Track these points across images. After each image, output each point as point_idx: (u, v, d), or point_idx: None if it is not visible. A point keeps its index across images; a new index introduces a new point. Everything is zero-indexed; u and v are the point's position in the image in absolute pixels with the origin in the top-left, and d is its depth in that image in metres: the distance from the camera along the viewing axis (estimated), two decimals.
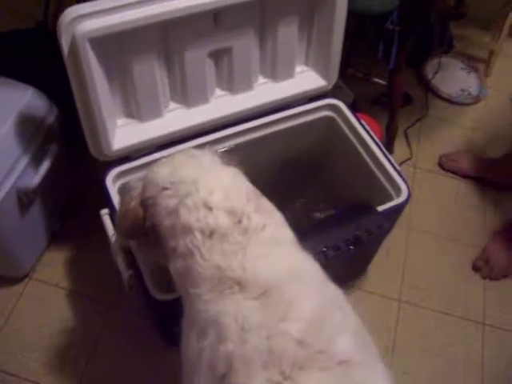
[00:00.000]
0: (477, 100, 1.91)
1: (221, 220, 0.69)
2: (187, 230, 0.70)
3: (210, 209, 0.70)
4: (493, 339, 1.37)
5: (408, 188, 1.17)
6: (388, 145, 1.67)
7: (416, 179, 1.68)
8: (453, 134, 1.82)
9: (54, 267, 1.36)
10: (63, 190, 1.36)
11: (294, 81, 1.25)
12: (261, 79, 1.23)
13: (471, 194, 1.66)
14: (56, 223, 1.35)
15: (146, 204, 0.78)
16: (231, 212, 0.70)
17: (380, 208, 1.11)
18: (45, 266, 1.36)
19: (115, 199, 1.08)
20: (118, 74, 1.03)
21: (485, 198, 1.65)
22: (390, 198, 1.17)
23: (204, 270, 0.67)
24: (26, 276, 1.33)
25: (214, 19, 1.03)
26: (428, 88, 1.89)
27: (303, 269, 0.67)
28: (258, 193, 0.76)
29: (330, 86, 1.28)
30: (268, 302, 0.61)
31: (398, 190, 1.17)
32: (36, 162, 1.13)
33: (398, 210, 1.15)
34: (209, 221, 0.69)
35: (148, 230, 0.79)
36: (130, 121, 1.12)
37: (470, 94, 1.94)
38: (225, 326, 0.61)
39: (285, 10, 1.12)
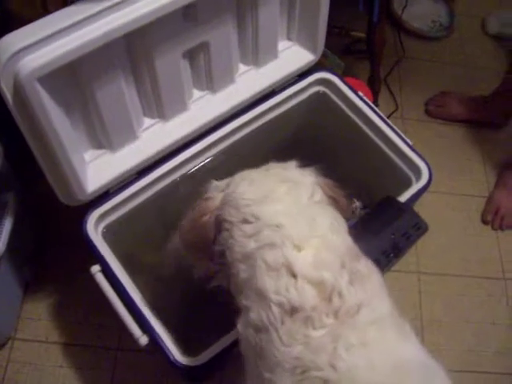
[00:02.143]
0: (450, 31, 1.77)
1: (306, 296, 0.54)
2: (263, 296, 0.56)
3: (293, 276, 0.55)
4: None
5: (429, 167, 1.04)
6: (373, 99, 1.52)
7: (407, 132, 1.55)
8: (433, 73, 1.68)
9: (37, 321, 1.17)
10: (30, 235, 1.15)
11: (278, 62, 1.06)
12: (242, 68, 1.03)
13: (466, 138, 1.56)
14: (27, 273, 1.15)
15: (221, 226, 0.63)
16: (319, 284, 0.55)
17: (401, 198, 0.98)
18: (26, 321, 1.16)
19: (103, 250, 0.90)
20: (79, 104, 0.81)
21: (481, 141, 1.55)
22: (408, 182, 1.05)
23: (282, 357, 0.54)
24: (8, 339, 1.14)
25: (183, 16, 0.81)
26: (399, 26, 1.72)
27: (408, 360, 0.53)
28: (355, 249, 0.61)
29: (318, 58, 1.10)
30: None
31: (417, 171, 1.04)
32: None
33: (419, 194, 1.03)
34: (291, 295, 0.55)
35: (214, 255, 0.65)
36: (100, 152, 0.91)
37: (441, 24, 1.79)
38: None
39: None
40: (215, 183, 0.69)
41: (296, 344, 0.53)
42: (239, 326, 0.60)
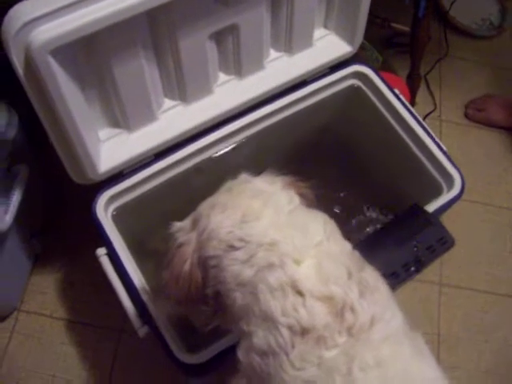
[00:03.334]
0: (500, 31, 1.66)
1: (317, 314, 0.51)
2: (269, 319, 0.52)
3: (300, 294, 0.52)
4: None
5: (462, 177, 0.97)
6: (410, 97, 1.44)
7: (443, 135, 1.47)
8: (477, 74, 1.59)
9: (43, 294, 1.16)
10: (41, 208, 1.13)
11: (312, 50, 0.99)
12: (273, 54, 0.97)
13: (505, 147, 1.47)
14: (37, 245, 1.13)
15: (206, 265, 0.59)
16: (329, 299, 0.51)
17: (430, 207, 0.92)
18: (33, 294, 1.15)
19: (112, 233, 0.87)
20: (95, 81, 0.77)
21: None
22: (439, 190, 0.98)
23: (294, 382, 0.51)
24: (14, 310, 1.13)
25: None
26: (446, 22, 1.63)
27: (423, 380, 0.51)
28: (356, 255, 0.57)
29: (355, 51, 1.03)
30: None
31: (449, 180, 0.97)
32: (3, 194, 0.89)
33: (449, 205, 0.96)
34: (300, 315, 0.51)
35: (208, 298, 0.61)
36: (116, 131, 0.87)
37: (491, 23, 1.68)
38: None
39: None
40: (178, 225, 0.64)
41: (309, 367, 0.50)
42: (240, 353, 0.56)
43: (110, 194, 0.89)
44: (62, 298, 1.16)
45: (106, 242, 0.85)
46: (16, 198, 0.90)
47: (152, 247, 0.98)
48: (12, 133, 0.92)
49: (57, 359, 1.11)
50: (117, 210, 0.92)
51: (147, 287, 0.85)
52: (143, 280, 0.85)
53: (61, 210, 1.23)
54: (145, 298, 0.82)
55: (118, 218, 0.92)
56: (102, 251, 0.86)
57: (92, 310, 1.15)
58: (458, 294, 1.26)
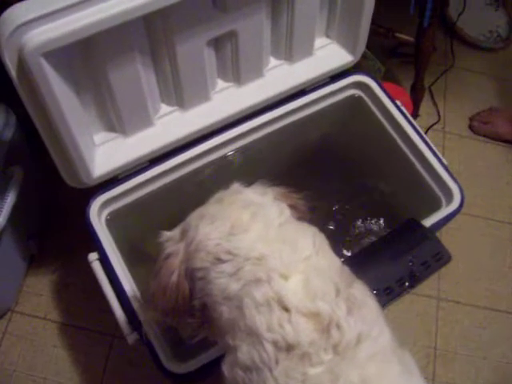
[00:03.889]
0: (507, 43, 1.65)
1: (302, 330, 0.50)
2: (254, 334, 0.52)
3: (286, 310, 0.51)
4: None
5: (461, 192, 0.96)
6: (414, 109, 1.43)
7: (446, 147, 1.46)
8: (483, 86, 1.57)
9: (38, 296, 1.15)
10: (36, 209, 1.12)
11: (312, 59, 0.99)
12: (273, 61, 0.96)
13: (508, 161, 1.45)
14: (33, 246, 1.12)
15: (194, 277, 0.58)
16: (315, 316, 0.51)
17: (428, 221, 0.90)
18: (27, 295, 1.15)
19: (104, 238, 0.86)
20: (90, 84, 0.77)
21: None
22: (437, 204, 0.96)
23: None
24: (8, 311, 1.13)
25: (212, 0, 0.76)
26: (453, 33, 1.61)
27: None
28: (345, 271, 0.57)
29: (357, 60, 1.02)
30: None
31: (449, 194, 0.96)
32: None
33: (448, 219, 0.95)
34: (286, 331, 0.50)
35: (195, 310, 0.60)
36: (111, 135, 0.87)
37: (499, 35, 1.67)
38: None
39: None
40: (167, 235, 0.63)
41: (292, 383, 0.49)
42: (224, 368, 0.55)
43: (104, 199, 0.89)
44: (56, 300, 1.16)
45: (98, 247, 0.85)
46: (10, 199, 0.89)
47: (145, 253, 0.97)
48: (9, 133, 0.92)
49: (49, 362, 1.10)
50: (111, 214, 0.92)
51: (138, 294, 0.84)
52: (134, 286, 0.84)
53: (58, 211, 1.23)
54: (135, 304, 0.82)
55: (112, 222, 0.91)
56: (93, 256, 0.85)
57: (86, 313, 1.15)
58: (456, 309, 1.24)
